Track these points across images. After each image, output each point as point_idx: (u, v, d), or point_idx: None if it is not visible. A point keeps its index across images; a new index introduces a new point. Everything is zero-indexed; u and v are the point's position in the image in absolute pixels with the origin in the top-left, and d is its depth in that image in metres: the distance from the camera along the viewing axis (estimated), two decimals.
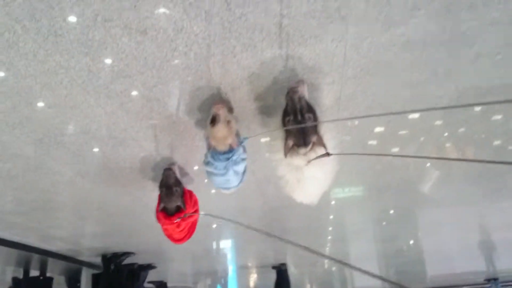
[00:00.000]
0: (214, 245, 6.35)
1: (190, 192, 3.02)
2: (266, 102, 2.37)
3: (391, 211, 4.94)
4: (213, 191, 3.55)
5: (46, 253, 5.41)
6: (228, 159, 2.29)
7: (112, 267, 5.87)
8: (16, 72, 1.95)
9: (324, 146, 2.03)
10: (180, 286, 9.55)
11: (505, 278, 12.12)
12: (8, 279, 6.77)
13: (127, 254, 5.99)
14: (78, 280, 6.00)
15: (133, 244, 5.66)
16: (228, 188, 2.59)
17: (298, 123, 2.00)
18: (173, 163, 3.03)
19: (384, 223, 5.53)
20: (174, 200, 2.79)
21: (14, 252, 5.08)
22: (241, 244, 6.42)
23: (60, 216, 4.19)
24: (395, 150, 3.10)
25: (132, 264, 6.26)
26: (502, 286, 12.05)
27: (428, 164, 3.47)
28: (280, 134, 2.16)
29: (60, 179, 3.19)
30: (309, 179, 2.16)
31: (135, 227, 4.78)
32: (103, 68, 1.96)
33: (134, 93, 2.19)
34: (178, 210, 2.83)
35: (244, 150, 2.45)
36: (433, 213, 5.16)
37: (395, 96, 2.43)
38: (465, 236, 6.74)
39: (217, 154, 2.29)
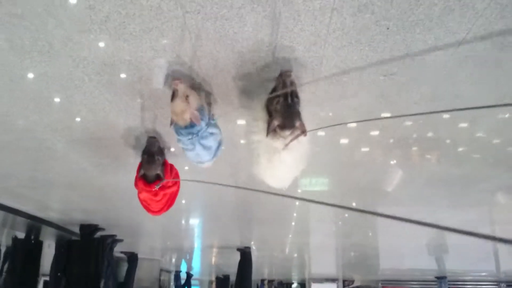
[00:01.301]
0: (183, 223, 6.78)
1: (172, 165, 3.08)
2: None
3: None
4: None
5: (40, 221, 6.07)
6: (190, 133, 2.31)
7: (88, 236, 6.51)
8: (73, 102, 2.67)
9: (305, 132, 2.10)
10: (148, 258, 10.05)
11: (453, 278, 13.10)
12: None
13: (101, 228, 6.64)
14: (63, 246, 6.68)
15: (114, 219, 6.29)
16: (201, 162, 2.62)
17: (288, 106, 2.04)
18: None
19: (345, 216, 5.93)
20: (154, 169, 2.81)
21: (12, 217, 5.72)
22: (210, 224, 6.91)
23: (63, 193, 4.84)
24: (365, 149, 3.53)
25: (106, 236, 6.88)
26: (450, 284, 13.01)
27: (393, 163, 3.76)
28: (262, 115, 2.20)
29: (75, 167, 3.87)
30: (282, 162, 2.22)
31: (123, 206, 5.42)
32: (138, 103, 2.70)
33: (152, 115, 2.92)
34: (158, 179, 2.86)
35: (214, 125, 2.48)
36: (391, 211, 5.60)
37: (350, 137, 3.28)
38: (419, 236, 7.14)
39: (179, 129, 2.33)
